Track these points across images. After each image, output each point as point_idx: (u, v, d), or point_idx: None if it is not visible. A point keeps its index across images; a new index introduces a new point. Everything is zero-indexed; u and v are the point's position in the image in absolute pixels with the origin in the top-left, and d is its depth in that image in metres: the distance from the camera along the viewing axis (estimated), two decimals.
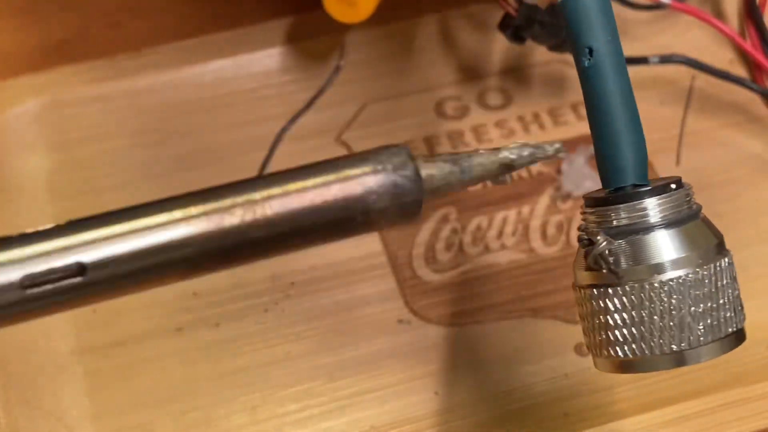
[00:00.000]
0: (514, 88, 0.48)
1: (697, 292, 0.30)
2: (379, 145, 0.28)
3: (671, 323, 0.30)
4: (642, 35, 0.49)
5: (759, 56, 0.47)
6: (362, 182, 0.27)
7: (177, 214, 0.26)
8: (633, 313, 0.30)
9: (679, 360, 0.30)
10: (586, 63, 0.31)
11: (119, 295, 0.26)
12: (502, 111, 0.47)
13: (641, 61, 0.47)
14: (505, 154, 0.31)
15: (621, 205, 0.31)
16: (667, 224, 0.30)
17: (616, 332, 0.30)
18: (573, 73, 0.33)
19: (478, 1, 0.48)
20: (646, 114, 0.47)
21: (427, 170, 0.29)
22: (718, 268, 0.31)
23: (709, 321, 0.30)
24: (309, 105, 0.47)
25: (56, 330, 0.41)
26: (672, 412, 0.36)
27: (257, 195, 0.26)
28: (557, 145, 0.33)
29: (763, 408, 0.36)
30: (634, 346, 0.30)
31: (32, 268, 0.24)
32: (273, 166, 0.45)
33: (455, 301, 0.42)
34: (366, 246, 0.43)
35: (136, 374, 0.40)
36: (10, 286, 0.24)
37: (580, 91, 0.32)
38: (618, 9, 0.48)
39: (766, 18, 0.48)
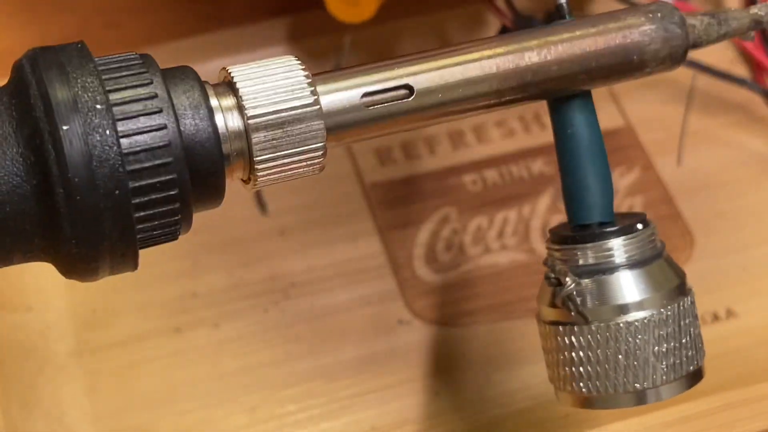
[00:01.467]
0: None
1: (661, 332, 0.31)
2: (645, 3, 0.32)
3: (635, 363, 0.31)
4: None
5: (760, 56, 0.47)
6: (639, 28, 0.31)
7: (487, 52, 0.30)
8: (598, 351, 0.31)
9: (640, 398, 0.31)
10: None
11: (440, 117, 0.30)
12: (502, 110, 0.47)
13: None
14: (755, 11, 0.32)
15: (588, 245, 0.31)
16: (632, 264, 0.31)
17: (581, 368, 0.31)
18: None
19: (479, 2, 0.48)
20: (647, 114, 0.48)
21: (690, 21, 0.32)
22: (682, 308, 0.31)
23: (671, 360, 0.31)
24: None
25: (55, 331, 0.41)
26: (673, 412, 0.35)
27: (552, 38, 0.30)
28: None
29: (766, 409, 0.36)
30: (597, 383, 0.31)
31: (370, 87, 0.29)
32: None
33: (455, 302, 0.42)
34: (366, 246, 0.43)
35: (136, 375, 0.40)
36: (352, 107, 0.29)
37: None
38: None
39: None
